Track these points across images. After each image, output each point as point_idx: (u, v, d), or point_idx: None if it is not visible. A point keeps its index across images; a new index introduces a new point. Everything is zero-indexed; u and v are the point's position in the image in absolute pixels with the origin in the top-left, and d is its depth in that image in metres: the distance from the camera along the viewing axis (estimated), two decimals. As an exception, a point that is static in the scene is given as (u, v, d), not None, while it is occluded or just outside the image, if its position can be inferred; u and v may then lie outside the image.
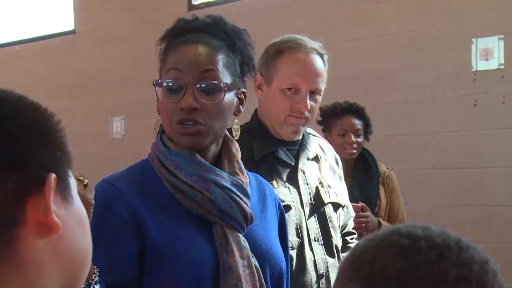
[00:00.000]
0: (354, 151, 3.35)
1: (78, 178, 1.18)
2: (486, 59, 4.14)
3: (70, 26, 6.44)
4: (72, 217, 0.80)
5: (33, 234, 0.74)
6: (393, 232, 0.86)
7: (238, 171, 1.61)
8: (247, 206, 1.56)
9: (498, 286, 0.82)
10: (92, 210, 1.27)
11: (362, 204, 3.16)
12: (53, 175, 0.76)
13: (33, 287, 0.74)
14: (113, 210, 1.48)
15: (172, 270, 1.47)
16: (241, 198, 1.55)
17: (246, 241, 1.55)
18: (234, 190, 1.55)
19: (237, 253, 1.51)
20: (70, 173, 0.83)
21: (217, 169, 1.56)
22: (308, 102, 2.12)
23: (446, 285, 0.79)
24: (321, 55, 2.17)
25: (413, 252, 0.82)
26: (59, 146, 0.80)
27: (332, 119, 3.40)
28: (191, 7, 5.46)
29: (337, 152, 2.46)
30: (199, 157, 1.54)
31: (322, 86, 2.16)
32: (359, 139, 3.37)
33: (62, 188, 0.79)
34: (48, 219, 0.74)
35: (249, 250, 1.54)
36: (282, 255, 1.67)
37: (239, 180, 1.58)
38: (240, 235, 1.54)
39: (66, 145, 0.81)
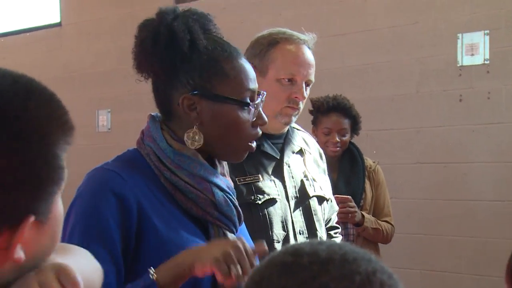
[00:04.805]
0: (337, 149, 3.37)
1: None
2: (472, 54, 4.16)
3: (56, 19, 6.40)
4: (42, 236, 0.82)
5: None
6: (282, 250, 0.87)
7: (225, 173, 1.63)
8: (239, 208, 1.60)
9: None
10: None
11: (348, 196, 3.19)
12: (32, 218, 0.77)
13: None
14: (123, 201, 1.43)
15: None
16: (235, 201, 1.58)
17: None
18: (230, 192, 1.57)
19: None
20: (61, 188, 0.84)
21: (217, 171, 1.57)
22: (305, 92, 2.15)
23: None
24: (310, 49, 2.19)
25: (297, 269, 0.81)
26: (55, 182, 0.82)
27: (319, 115, 3.41)
28: (178, 0, 5.43)
29: (321, 148, 2.47)
30: (201, 159, 1.54)
31: (313, 79, 2.18)
32: (344, 138, 3.39)
33: (39, 214, 0.80)
34: (10, 255, 0.77)
35: None
36: None
37: (229, 183, 1.60)
38: (233, 235, 1.57)
39: (63, 172, 0.84)
